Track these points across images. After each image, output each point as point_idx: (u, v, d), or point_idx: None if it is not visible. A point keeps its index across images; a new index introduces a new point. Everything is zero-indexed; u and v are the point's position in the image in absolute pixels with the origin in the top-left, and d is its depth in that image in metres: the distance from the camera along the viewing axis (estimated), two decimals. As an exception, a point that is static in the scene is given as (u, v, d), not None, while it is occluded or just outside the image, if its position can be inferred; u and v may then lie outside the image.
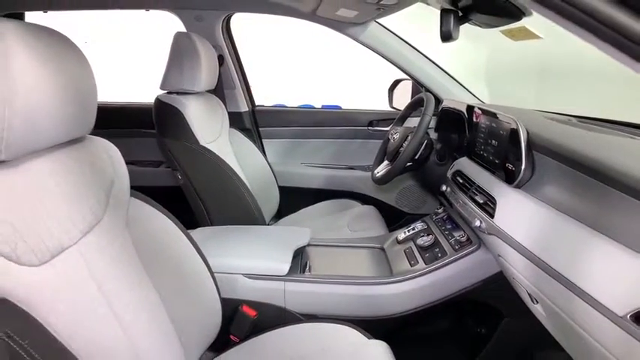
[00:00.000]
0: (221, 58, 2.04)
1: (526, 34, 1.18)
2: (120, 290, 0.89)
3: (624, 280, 0.71)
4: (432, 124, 1.87)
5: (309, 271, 1.41)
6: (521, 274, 1.02)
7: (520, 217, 1.05)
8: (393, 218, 2.10)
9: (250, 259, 1.36)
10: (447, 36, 1.09)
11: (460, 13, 1.10)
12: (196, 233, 1.56)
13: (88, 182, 0.90)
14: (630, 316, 0.67)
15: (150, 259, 1.01)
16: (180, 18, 2.00)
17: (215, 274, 1.14)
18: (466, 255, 1.31)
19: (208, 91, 1.87)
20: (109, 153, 1.00)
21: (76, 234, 0.82)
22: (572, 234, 0.86)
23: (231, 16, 2.05)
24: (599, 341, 0.75)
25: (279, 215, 2.16)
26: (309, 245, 1.54)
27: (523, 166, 1.08)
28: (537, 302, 1.01)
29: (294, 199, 2.17)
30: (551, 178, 1.02)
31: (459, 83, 1.97)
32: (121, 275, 0.91)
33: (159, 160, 2.16)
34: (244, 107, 2.19)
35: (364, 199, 2.18)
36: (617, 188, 0.80)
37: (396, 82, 2.07)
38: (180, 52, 1.62)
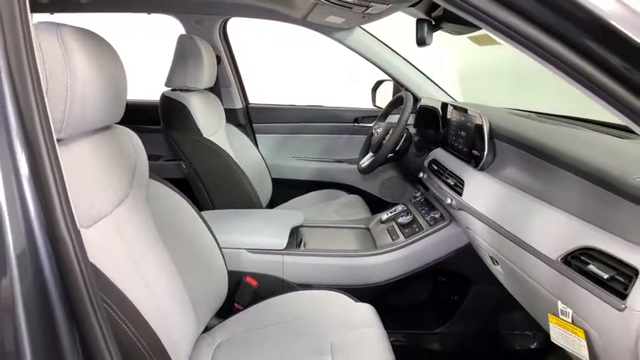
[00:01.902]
0: (218, 59, 2.20)
1: (489, 40, 1.38)
2: (145, 256, 1.05)
3: (557, 232, 0.91)
4: (411, 120, 2.07)
5: (304, 247, 1.59)
6: (484, 240, 1.22)
7: (483, 193, 1.25)
8: (376, 206, 2.29)
9: (252, 236, 1.54)
10: (421, 41, 1.29)
11: (433, 22, 1.29)
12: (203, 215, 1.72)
13: (118, 163, 1.06)
14: (560, 259, 0.87)
15: (166, 232, 1.16)
16: (181, 21, 2.16)
17: (222, 249, 1.30)
18: (439, 229, 1.51)
19: (207, 89, 2.03)
20: (132, 140, 1.16)
21: (110, 206, 0.98)
22: (523, 204, 1.07)
23: (227, 20, 2.22)
24: (540, 283, 0.95)
25: (271, 205, 2.32)
26: (302, 226, 1.72)
27: (486, 152, 1.29)
28: (497, 263, 1.21)
29: (285, 189, 2.34)
30: (509, 161, 1.23)
31: (434, 83, 2.17)
32: (145, 244, 1.07)
33: (157, 154, 2.30)
34: (239, 104, 2.35)
35: (350, 189, 2.36)
36: (557, 165, 1.01)
37: (379, 83, 2.26)
38: (185, 52, 1.78)
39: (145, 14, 2.18)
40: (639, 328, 0.70)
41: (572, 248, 0.85)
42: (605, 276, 0.76)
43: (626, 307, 0.71)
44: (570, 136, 1.27)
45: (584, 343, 0.82)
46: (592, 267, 0.79)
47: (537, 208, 1.01)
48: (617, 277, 0.75)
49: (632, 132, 0.61)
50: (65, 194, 0.60)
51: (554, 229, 0.93)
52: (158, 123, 2.09)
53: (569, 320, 0.86)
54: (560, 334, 0.89)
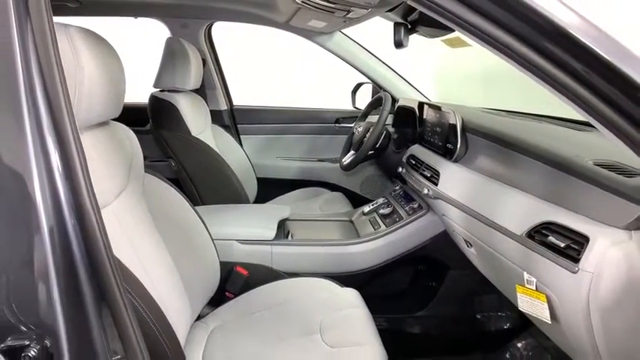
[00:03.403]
0: (203, 62, 2.27)
1: (461, 43, 1.51)
2: (143, 245, 1.10)
3: (522, 211, 1.03)
4: (390, 120, 2.18)
5: (291, 238, 1.68)
6: (458, 224, 1.33)
7: (457, 182, 1.36)
8: (358, 203, 2.39)
9: (243, 227, 1.61)
10: (398, 44, 1.40)
11: (409, 26, 1.41)
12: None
13: (116, 156, 1.12)
14: (525, 234, 0.99)
15: (161, 224, 1.22)
16: (167, 25, 2.22)
17: (214, 241, 1.37)
18: (418, 218, 1.63)
19: (193, 91, 2.10)
20: (128, 135, 1.22)
21: (110, 196, 1.04)
22: (492, 189, 1.19)
23: (212, 24, 2.30)
24: (508, 257, 1.07)
25: (257, 203, 2.40)
26: (289, 219, 1.81)
27: (459, 145, 1.41)
28: (471, 246, 1.32)
29: (270, 188, 2.42)
30: (480, 153, 1.35)
31: (410, 84, 2.30)
32: (142, 234, 1.13)
33: (143, 155, 2.34)
34: (224, 106, 2.42)
35: (333, 187, 2.46)
36: (522, 153, 1.13)
37: (358, 85, 2.37)
38: (173, 54, 1.85)
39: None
40: (589, 287, 0.81)
41: (534, 224, 0.97)
42: (562, 245, 0.87)
43: (578, 270, 0.82)
44: (534, 129, 1.40)
45: (546, 305, 0.93)
46: (551, 238, 0.91)
47: (505, 192, 1.13)
48: (571, 245, 0.86)
49: (591, 125, 0.71)
50: (89, 176, 0.67)
51: (519, 208, 1.04)
52: (143, 124, 2.15)
53: (534, 288, 0.97)
54: (526, 302, 1.00)
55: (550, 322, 0.94)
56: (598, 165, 0.92)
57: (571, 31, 0.65)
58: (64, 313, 0.62)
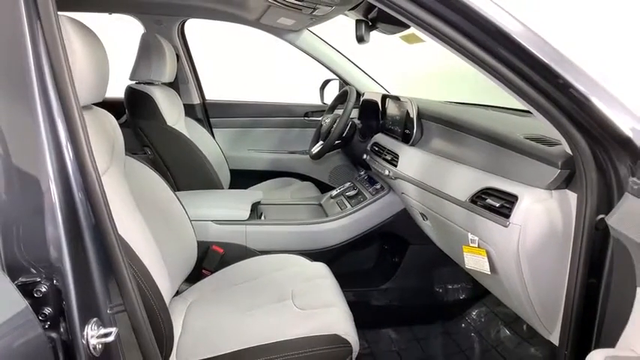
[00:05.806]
0: (177, 57, 2.35)
1: (416, 39, 1.66)
2: (127, 223, 1.18)
3: (466, 182, 1.18)
4: (357, 114, 2.32)
5: (264, 218, 1.79)
6: (415, 199, 1.48)
7: (414, 163, 1.51)
8: (327, 192, 2.52)
9: (218, 209, 1.72)
10: (360, 39, 1.54)
11: (370, 23, 1.55)
12: None
13: (100, 138, 1.20)
14: (468, 200, 1.14)
15: (142, 204, 1.30)
16: (141, 21, 2.30)
17: (191, 221, 1.46)
18: (381, 197, 1.78)
19: (167, 84, 2.18)
20: (109, 120, 1.31)
21: None
22: (443, 166, 1.34)
23: (185, 21, 2.38)
24: (455, 222, 1.22)
25: (230, 193, 2.49)
26: (261, 204, 1.92)
27: (415, 130, 1.56)
28: (427, 218, 1.47)
29: (243, 179, 2.52)
30: (433, 136, 1.51)
31: (372, 78, 2.45)
32: (126, 212, 1.21)
33: None
34: (196, 100, 2.51)
35: (303, 177, 2.58)
36: (467, 133, 1.29)
37: (326, 82, 2.51)
38: (149, 48, 1.93)
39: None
40: (518, 238, 0.96)
41: (476, 190, 1.12)
42: (497, 204, 1.03)
43: (509, 224, 0.98)
44: (480, 114, 1.57)
45: (486, 259, 1.09)
46: (489, 200, 1.06)
47: (453, 167, 1.28)
48: (504, 204, 1.02)
49: (530, 112, 0.86)
50: (90, 147, 0.76)
51: (464, 179, 1.20)
52: (116, 118, 2.21)
53: (476, 245, 1.12)
54: (470, 259, 1.15)
55: (490, 274, 1.10)
56: (527, 138, 1.08)
57: (516, 37, 0.77)
58: (70, 255, 0.71)
